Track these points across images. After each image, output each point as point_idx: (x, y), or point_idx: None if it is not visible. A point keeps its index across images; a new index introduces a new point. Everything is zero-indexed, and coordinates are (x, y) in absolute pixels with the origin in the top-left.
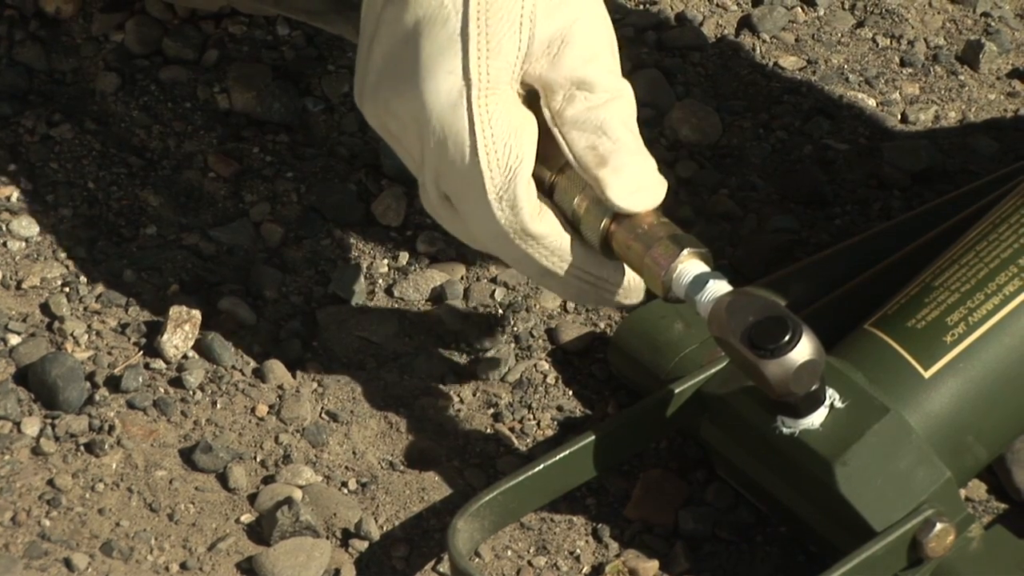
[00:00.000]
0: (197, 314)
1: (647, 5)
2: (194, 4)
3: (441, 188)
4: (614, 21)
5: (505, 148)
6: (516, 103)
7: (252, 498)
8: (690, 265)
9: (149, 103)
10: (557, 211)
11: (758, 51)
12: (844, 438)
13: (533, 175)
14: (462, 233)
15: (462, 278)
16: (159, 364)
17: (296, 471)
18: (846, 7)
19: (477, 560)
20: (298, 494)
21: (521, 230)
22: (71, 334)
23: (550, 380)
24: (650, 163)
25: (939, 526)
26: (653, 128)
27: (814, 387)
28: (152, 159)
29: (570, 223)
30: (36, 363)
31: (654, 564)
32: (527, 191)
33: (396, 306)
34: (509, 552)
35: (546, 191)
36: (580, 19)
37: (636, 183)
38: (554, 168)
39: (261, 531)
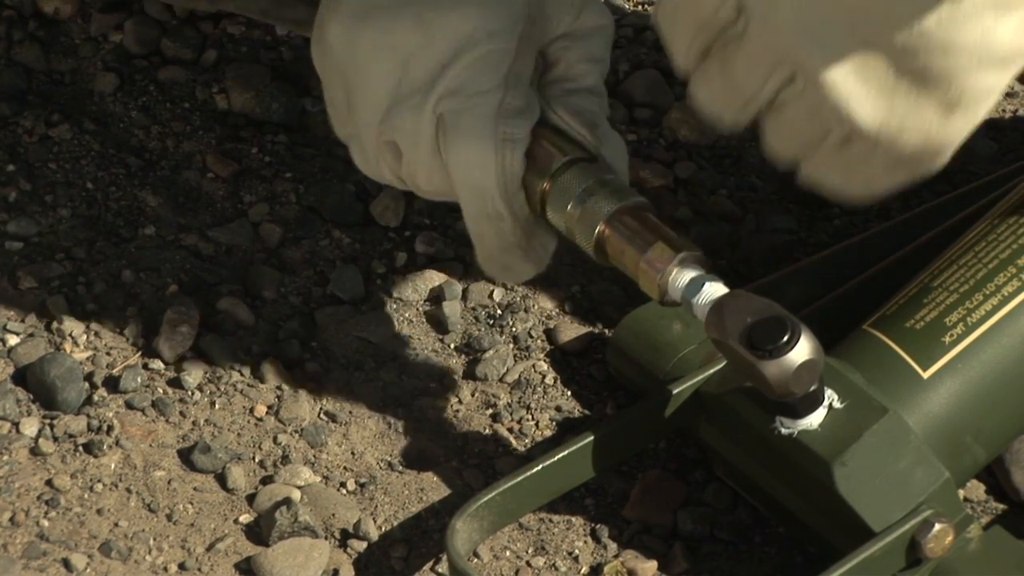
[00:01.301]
0: (196, 314)
1: (646, 6)
2: (192, 5)
3: (441, 107)
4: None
5: (527, 93)
6: None
7: (251, 498)
8: (686, 268)
9: (148, 103)
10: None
11: None
12: (843, 438)
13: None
14: (424, 163)
15: (461, 278)
16: (158, 364)
17: (295, 471)
18: None
19: (476, 560)
20: (297, 494)
21: (513, 174)
22: (70, 334)
23: (549, 380)
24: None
25: (938, 526)
26: (652, 128)
27: (813, 387)
28: (151, 159)
29: (564, 231)
30: (35, 363)
31: (652, 565)
32: (525, 142)
33: (395, 306)
34: (508, 552)
35: (535, 200)
36: (607, 23)
37: None
38: (544, 177)
39: (260, 531)
